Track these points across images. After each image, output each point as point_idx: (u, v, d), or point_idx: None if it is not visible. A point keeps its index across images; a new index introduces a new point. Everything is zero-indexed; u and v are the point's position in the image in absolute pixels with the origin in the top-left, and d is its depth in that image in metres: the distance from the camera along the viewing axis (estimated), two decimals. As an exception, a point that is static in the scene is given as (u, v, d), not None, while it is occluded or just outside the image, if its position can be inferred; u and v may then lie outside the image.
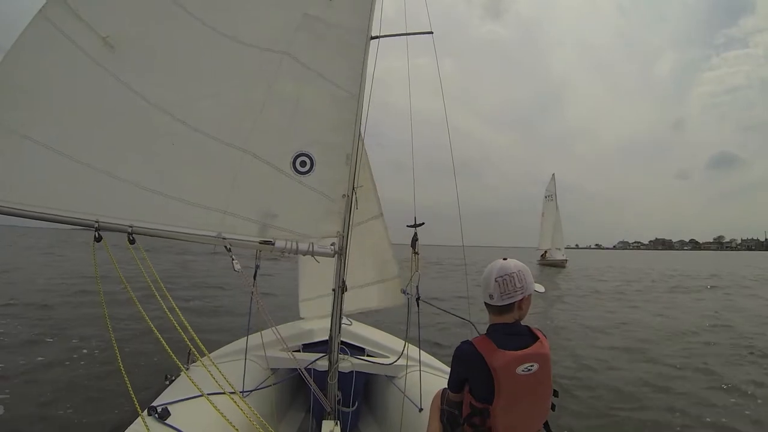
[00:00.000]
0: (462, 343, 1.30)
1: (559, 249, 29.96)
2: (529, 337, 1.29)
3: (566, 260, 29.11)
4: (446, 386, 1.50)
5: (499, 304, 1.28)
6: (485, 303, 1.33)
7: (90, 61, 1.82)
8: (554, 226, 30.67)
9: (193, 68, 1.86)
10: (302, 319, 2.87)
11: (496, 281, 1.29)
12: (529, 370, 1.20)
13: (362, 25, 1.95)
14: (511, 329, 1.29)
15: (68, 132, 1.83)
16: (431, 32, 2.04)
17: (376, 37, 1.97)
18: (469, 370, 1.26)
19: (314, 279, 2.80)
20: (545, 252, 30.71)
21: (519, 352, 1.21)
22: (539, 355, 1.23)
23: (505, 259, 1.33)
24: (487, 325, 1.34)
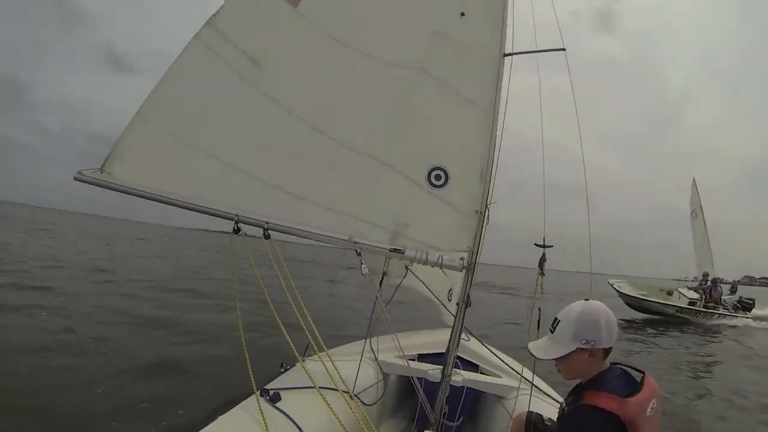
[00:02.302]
0: (585, 408, 1.15)
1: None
2: (631, 375, 1.23)
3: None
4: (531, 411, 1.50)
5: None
6: (601, 349, 1.22)
7: (238, 76, 2.05)
8: (701, 250, 21.93)
9: (333, 83, 2.01)
10: (421, 330, 2.92)
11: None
12: (653, 409, 1.15)
13: (494, 42, 1.98)
14: (614, 372, 1.24)
15: (216, 136, 2.06)
16: (564, 49, 2.00)
17: (509, 54, 1.97)
18: None
19: None
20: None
21: (641, 396, 1.14)
22: (655, 390, 1.18)
23: (587, 299, 1.29)
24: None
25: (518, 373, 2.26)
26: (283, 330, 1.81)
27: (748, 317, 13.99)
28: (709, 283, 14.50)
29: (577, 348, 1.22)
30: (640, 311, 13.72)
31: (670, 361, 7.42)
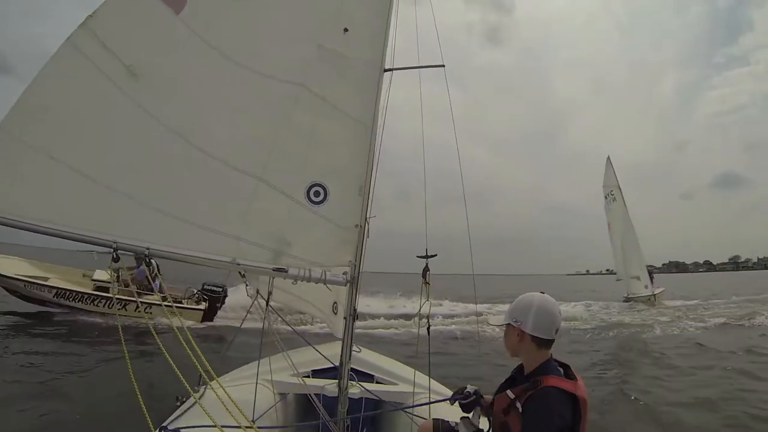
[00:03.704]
0: (551, 389, 1.23)
1: (638, 277, 17.68)
2: (563, 367, 1.36)
3: (655, 295, 16.94)
4: (437, 419, 1.57)
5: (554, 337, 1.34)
6: (541, 338, 1.32)
7: (114, 87, 1.91)
8: (624, 238, 18.33)
9: (212, 97, 1.94)
10: (312, 346, 2.92)
11: (560, 313, 1.36)
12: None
13: (376, 58, 2.04)
14: (554, 364, 1.34)
15: (90, 154, 1.91)
16: (443, 65, 2.11)
17: (390, 70, 2.04)
18: (570, 415, 1.22)
19: None
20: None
21: (581, 382, 1.28)
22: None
23: (542, 292, 1.40)
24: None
25: (413, 379, 2.37)
26: (172, 364, 1.72)
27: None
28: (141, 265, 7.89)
29: (509, 324, 1.38)
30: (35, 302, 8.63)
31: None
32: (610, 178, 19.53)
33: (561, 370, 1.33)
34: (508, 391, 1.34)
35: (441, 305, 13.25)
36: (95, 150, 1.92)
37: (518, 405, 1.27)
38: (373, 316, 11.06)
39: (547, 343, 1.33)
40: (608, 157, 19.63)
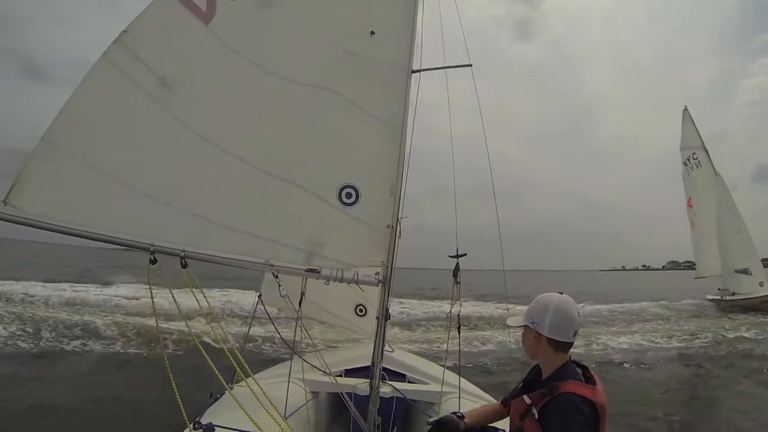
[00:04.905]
0: (569, 396, 1.18)
1: (746, 271, 12.42)
2: (582, 369, 1.30)
3: None
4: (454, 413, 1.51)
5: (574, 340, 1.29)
6: (559, 341, 1.26)
7: (147, 97, 1.99)
8: (719, 219, 12.62)
9: (242, 104, 2.00)
10: (345, 345, 2.94)
11: (579, 315, 1.31)
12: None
13: (403, 60, 2.06)
14: (572, 366, 1.28)
15: (127, 162, 1.99)
16: (470, 65, 2.11)
17: (417, 71, 2.05)
18: (592, 420, 1.17)
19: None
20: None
21: (600, 386, 1.23)
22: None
23: (561, 293, 1.35)
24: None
25: (444, 378, 2.35)
26: (209, 360, 1.76)
27: None
28: None
29: (526, 325, 1.33)
30: None
31: None
32: (690, 137, 13.85)
33: (580, 371, 1.28)
34: (525, 396, 1.30)
35: (478, 307, 12.58)
36: (132, 158, 2.00)
37: (534, 411, 1.23)
38: (406, 318, 10.96)
39: (565, 346, 1.28)
40: (685, 109, 14.11)
